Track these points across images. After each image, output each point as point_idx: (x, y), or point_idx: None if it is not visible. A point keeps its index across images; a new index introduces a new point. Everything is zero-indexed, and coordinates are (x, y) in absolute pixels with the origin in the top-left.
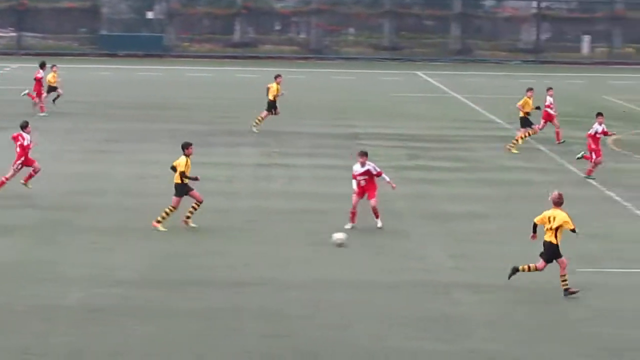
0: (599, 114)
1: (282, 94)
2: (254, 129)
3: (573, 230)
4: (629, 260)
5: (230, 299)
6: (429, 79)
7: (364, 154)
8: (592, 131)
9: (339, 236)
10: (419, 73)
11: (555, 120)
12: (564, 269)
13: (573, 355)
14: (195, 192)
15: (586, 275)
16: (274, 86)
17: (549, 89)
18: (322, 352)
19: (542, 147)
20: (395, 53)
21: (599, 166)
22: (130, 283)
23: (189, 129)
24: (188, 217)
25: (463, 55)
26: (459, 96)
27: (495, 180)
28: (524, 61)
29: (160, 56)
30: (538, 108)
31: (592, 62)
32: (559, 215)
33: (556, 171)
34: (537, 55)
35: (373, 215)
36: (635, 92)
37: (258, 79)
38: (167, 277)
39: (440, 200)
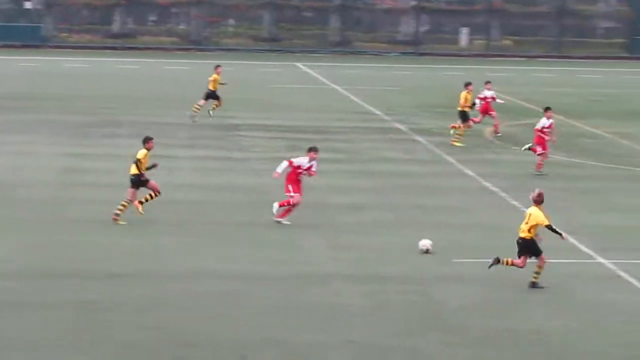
0: (547, 109)
1: (224, 83)
2: (194, 119)
3: (549, 227)
4: (506, 250)
5: (107, 290)
6: (309, 71)
7: (317, 150)
8: (539, 125)
9: (425, 243)
10: (298, 64)
11: (494, 113)
12: (542, 265)
13: (448, 345)
14: (153, 182)
15: (463, 266)
16: (214, 77)
17: (487, 82)
18: (200, 342)
19: (420, 139)
20: (274, 44)
21: (544, 160)
22: (4, 275)
23: (67, 120)
24: (118, 213)
25: (342, 47)
26: (338, 88)
27: (375, 172)
28: (403, 53)
29: (38, 47)
30: (473, 105)
31: (471, 54)
32: (534, 214)
33: (434, 162)
34: (416, 47)
35: (284, 211)
36: (512, 84)
37: (137, 70)
38: (43, 269)
39: (320, 191)
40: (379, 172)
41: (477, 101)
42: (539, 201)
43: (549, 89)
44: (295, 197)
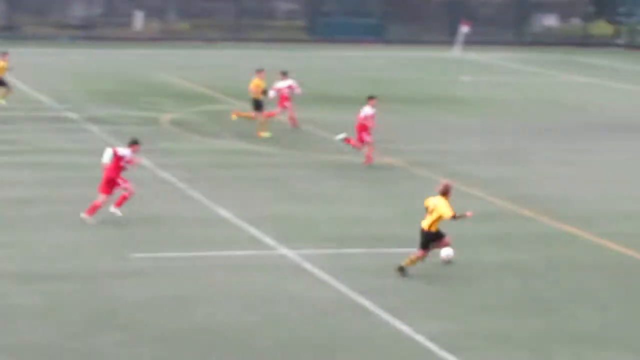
0: (371, 97)
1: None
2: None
3: (453, 217)
4: (184, 244)
5: None
6: None
7: (139, 143)
8: (362, 114)
9: (449, 253)
10: None
11: (288, 104)
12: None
13: (124, 345)
14: None
15: (139, 261)
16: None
17: (283, 73)
18: None
19: (92, 128)
20: None
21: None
22: None
23: None
24: None
25: (9, 32)
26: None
27: (44, 163)
28: (74, 37)
29: None
30: (265, 92)
31: (146, 38)
32: (439, 205)
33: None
34: (88, 31)
35: (119, 201)
36: (188, 68)
37: None
38: None
39: None
40: (49, 163)
41: (272, 92)
42: (443, 192)
43: (225, 73)
44: (128, 189)
